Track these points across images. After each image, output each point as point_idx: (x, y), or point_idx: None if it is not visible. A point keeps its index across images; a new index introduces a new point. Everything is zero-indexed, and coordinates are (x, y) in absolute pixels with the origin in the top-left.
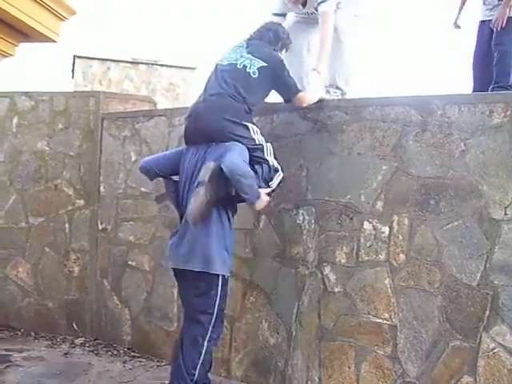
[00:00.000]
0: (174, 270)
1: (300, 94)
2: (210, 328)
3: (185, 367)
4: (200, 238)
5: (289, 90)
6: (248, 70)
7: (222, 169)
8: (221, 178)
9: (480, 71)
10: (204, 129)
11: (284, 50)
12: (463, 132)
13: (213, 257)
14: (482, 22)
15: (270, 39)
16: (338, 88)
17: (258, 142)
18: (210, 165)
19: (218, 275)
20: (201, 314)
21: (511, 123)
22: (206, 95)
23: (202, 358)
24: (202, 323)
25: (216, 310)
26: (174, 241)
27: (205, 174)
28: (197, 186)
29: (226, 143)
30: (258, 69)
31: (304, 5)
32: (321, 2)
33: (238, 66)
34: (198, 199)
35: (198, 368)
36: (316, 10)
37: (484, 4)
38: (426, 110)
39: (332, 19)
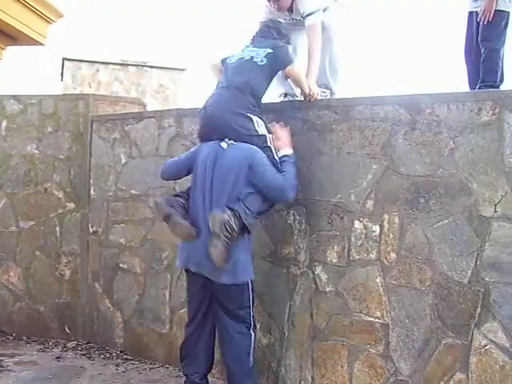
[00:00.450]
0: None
1: (289, 67)
2: (251, 319)
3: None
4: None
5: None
6: (255, 59)
7: (234, 215)
8: (235, 224)
9: (473, 64)
10: (212, 124)
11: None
12: (452, 130)
13: (239, 267)
14: (470, 12)
15: (273, 36)
16: (327, 87)
17: (260, 133)
18: (221, 217)
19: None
20: (240, 310)
21: (499, 121)
22: (214, 91)
23: (252, 344)
24: (245, 321)
25: (252, 300)
26: (191, 245)
27: (214, 225)
28: (211, 235)
29: (241, 146)
30: (264, 56)
31: (291, 11)
32: (308, 15)
33: (246, 58)
34: (216, 251)
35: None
36: (302, 17)
37: None
38: (415, 109)
39: (319, 32)
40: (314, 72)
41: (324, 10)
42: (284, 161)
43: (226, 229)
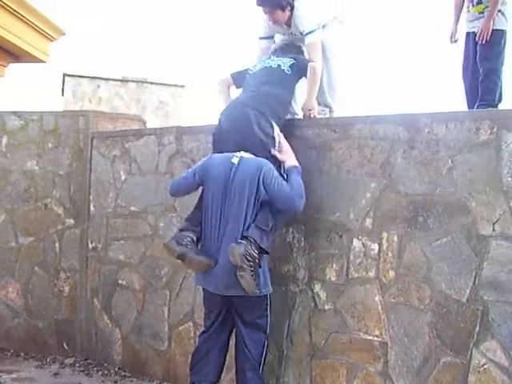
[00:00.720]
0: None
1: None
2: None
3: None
4: None
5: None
6: (283, 67)
7: (250, 242)
8: (254, 251)
9: (471, 84)
10: (232, 135)
11: None
12: (450, 149)
13: (260, 281)
14: (467, 33)
15: (293, 52)
16: (326, 105)
17: (276, 139)
18: (239, 250)
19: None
20: (257, 319)
21: (497, 140)
22: (234, 101)
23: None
24: (261, 329)
25: (269, 307)
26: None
27: (236, 259)
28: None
29: (251, 161)
30: (289, 66)
31: (289, 25)
32: (308, 33)
33: (273, 67)
34: (245, 282)
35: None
36: (302, 34)
37: (467, 14)
38: (414, 128)
39: (320, 49)
40: (314, 92)
41: (323, 27)
42: (291, 172)
43: (248, 259)
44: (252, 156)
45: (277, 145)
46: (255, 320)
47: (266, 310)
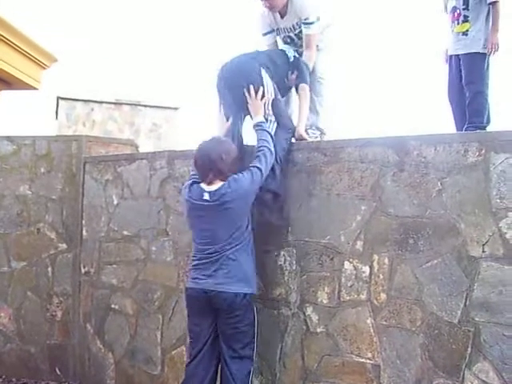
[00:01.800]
0: (197, 303)
1: (305, 84)
2: (254, 359)
3: None
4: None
5: None
6: (287, 52)
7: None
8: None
9: (457, 106)
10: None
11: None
12: (439, 171)
13: (250, 276)
14: (450, 56)
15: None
16: (317, 128)
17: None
18: None
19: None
20: (245, 348)
21: (485, 162)
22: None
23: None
24: (248, 357)
25: (256, 335)
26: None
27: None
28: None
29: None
30: (293, 56)
31: (282, 15)
32: (308, 23)
33: (279, 48)
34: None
35: None
36: (298, 23)
37: (450, 36)
38: (403, 151)
39: (315, 44)
40: (305, 113)
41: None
42: (260, 128)
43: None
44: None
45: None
46: (241, 349)
47: (254, 335)
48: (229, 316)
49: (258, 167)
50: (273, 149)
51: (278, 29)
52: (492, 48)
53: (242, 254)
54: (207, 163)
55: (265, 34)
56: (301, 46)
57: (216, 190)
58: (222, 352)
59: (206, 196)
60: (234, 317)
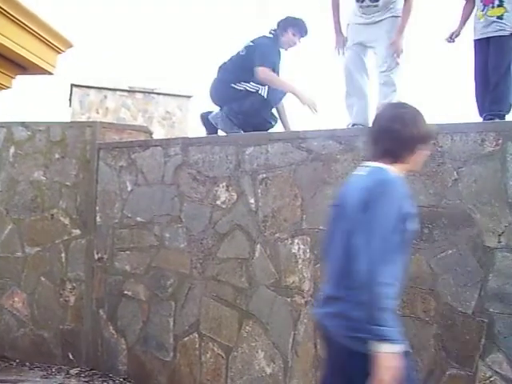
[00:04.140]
0: None
1: (260, 67)
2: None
3: None
4: None
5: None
6: (239, 50)
7: None
8: None
9: (482, 93)
10: None
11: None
12: (456, 161)
13: None
14: (479, 40)
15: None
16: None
17: None
18: None
19: None
20: None
21: (502, 152)
22: None
23: None
24: None
25: None
26: None
27: None
28: None
29: None
30: (245, 47)
31: None
32: None
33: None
34: None
35: None
36: None
37: (478, 21)
38: None
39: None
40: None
41: None
42: None
43: None
44: None
45: None
46: None
47: None
48: None
49: None
50: None
51: None
52: None
53: None
54: None
55: None
56: None
57: None
58: None
59: None
60: None
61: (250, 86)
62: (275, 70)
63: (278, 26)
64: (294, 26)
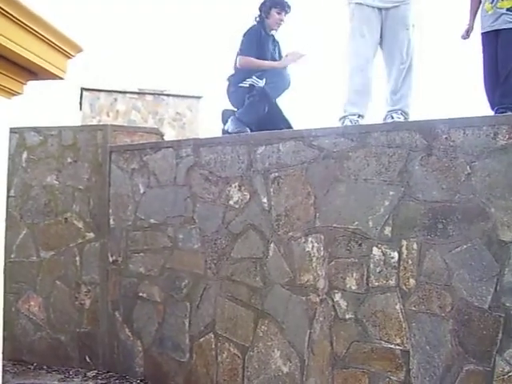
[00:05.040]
0: None
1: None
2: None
3: None
4: None
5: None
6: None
7: None
8: None
9: (492, 87)
10: None
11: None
12: (468, 155)
13: None
14: (487, 33)
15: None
16: (403, 112)
17: None
18: None
19: None
20: None
21: None
22: None
23: None
24: None
25: None
26: None
27: None
28: None
29: None
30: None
31: None
32: None
33: None
34: None
35: None
36: None
37: (486, 13)
38: (431, 135)
39: None
40: None
41: None
42: None
43: None
44: None
45: None
46: None
47: None
48: None
49: None
50: None
51: None
52: None
53: None
54: None
55: None
56: None
57: None
58: None
59: None
60: None
61: (254, 80)
62: (261, 54)
63: (261, 10)
64: (275, 6)
